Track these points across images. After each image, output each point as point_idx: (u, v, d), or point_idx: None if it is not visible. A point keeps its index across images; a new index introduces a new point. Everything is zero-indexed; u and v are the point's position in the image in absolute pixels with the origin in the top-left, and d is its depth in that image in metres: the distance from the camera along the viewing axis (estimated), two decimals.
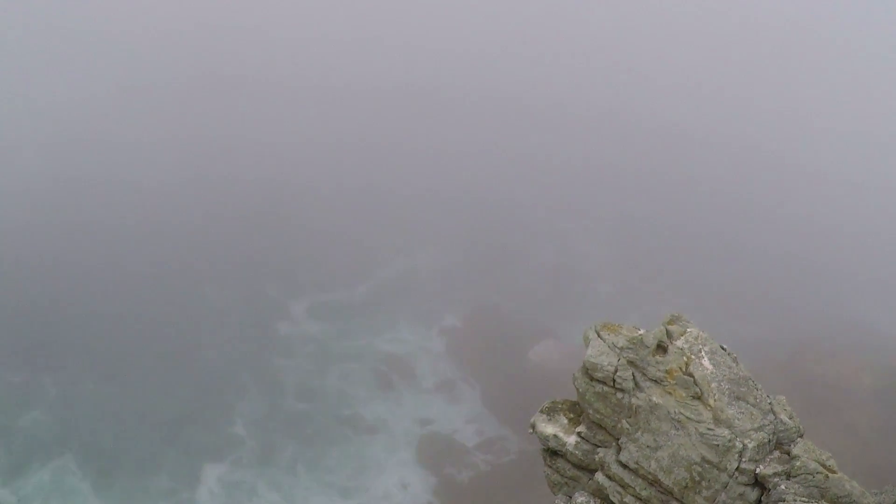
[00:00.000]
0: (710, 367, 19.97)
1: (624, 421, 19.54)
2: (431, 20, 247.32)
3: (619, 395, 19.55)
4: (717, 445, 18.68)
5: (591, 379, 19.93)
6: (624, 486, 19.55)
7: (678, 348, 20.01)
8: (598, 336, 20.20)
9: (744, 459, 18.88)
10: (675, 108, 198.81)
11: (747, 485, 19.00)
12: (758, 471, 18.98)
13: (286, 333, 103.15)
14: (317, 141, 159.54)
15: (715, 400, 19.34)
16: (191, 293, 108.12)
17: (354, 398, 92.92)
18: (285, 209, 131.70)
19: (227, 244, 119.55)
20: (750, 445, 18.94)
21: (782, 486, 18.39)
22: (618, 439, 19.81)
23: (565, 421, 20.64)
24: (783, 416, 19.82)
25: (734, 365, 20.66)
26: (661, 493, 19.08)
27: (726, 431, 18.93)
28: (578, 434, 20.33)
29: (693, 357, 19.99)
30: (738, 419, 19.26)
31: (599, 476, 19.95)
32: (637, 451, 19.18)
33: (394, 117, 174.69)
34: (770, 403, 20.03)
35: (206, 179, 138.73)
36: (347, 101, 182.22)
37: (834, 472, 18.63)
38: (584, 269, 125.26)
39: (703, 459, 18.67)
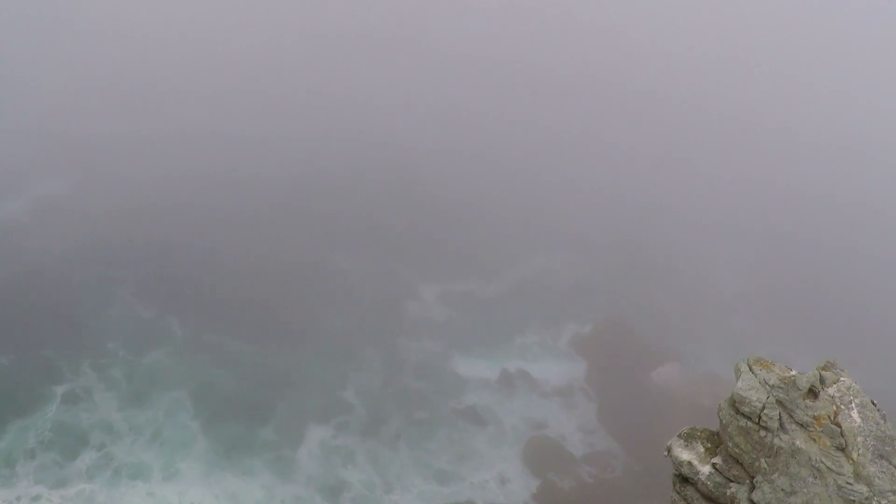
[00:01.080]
0: (859, 420, 19.87)
1: (763, 460, 19.76)
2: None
3: (763, 433, 19.79)
4: (854, 501, 18.65)
5: (737, 412, 20.23)
6: None
7: (829, 396, 20.02)
8: (750, 370, 20.44)
9: None
10: (844, 122, 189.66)
11: None
12: None
13: (414, 315, 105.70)
14: (478, 126, 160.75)
15: (858, 454, 19.26)
16: (327, 263, 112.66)
17: (469, 388, 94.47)
18: (430, 192, 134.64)
19: (368, 221, 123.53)
20: None
21: None
22: (753, 477, 20.05)
23: (702, 450, 21.02)
24: None
25: (882, 422, 20.44)
26: None
27: (865, 489, 18.86)
28: (713, 465, 20.68)
29: (842, 407, 19.95)
30: (879, 478, 19.11)
31: None
32: (771, 493, 19.38)
33: (566, 109, 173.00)
34: None
35: (358, 158, 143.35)
36: (520, 85, 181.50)
37: None
38: (720, 297, 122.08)
39: None
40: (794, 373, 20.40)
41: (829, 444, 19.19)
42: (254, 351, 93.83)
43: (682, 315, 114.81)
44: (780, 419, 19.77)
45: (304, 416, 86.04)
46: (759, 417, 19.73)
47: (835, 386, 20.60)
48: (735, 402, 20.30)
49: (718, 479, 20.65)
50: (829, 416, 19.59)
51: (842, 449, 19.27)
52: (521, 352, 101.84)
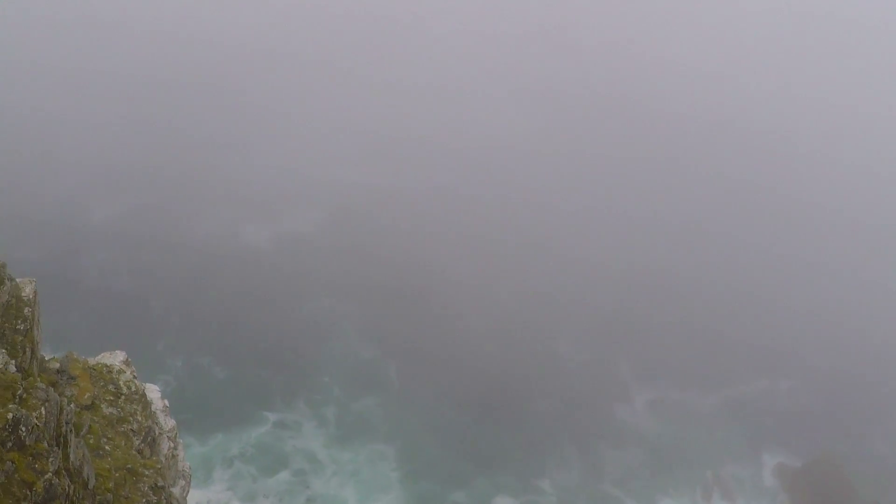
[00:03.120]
0: None
1: None
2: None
3: None
4: None
5: None
6: None
7: None
8: None
9: None
10: None
11: None
12: None
13: (621, 419, 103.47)
14: (723, 244, 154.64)
15: None
16: (549, 343, 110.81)
17: None
18: (665, 291, 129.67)
19: (588, 304, 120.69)
20: None
21: None
22: None
23: None
24: None
25: None
26: None
27: None
28: None
29: None
30: None
31: None
32: None
33: (803, 236, 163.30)
34: None
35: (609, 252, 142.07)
36: (767, 211, 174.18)
37: None
38: None
39: None
40: None
41: None
42: (459, 418, 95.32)
43: None
44: None
45: (496, 491, 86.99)
46: None
47: None
48: None
49: None
50: None
51: None
52: (724, 475, 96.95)
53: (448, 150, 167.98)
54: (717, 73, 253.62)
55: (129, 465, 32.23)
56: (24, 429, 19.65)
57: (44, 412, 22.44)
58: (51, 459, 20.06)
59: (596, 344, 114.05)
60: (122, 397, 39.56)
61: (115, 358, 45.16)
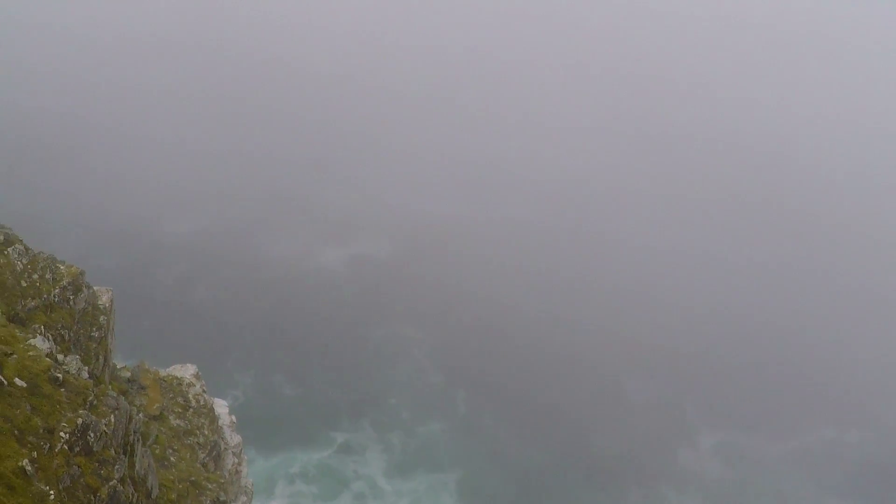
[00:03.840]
0: None
1: None
2: None
3: None
4: None
5: None
6: None
7: None
8: None
9: None
10: None
11: None
12: None
13: (684, 463, 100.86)
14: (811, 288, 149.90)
15: None
16: (612, 384, 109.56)
17: None
18: (738, 331, 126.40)
19: (658, 344, 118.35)
20: None
21: None
22: None
23: None
24: None
25: None
26: None
27: None
28: None
29: None
30: None
31: None
32: None
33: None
34: None
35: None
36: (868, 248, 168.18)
37: None
38: None
39: None
40: None
41: None
42: (522, 450, 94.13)
43: None
44: None
45: None
46: None
47: None
48: None
49: None
50: None
51: None
52: None
53: (527, 182, 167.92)
54: (807, 115, 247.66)
55: (193, 478, 32.88)
56: (92, 435, 20.21)
57: (113, 420, 23.05)
58: (116, 467, 20.56)
59: (664, 384, 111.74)
60: (191, 410, 40.47)
61: (186, 371, 46.30)
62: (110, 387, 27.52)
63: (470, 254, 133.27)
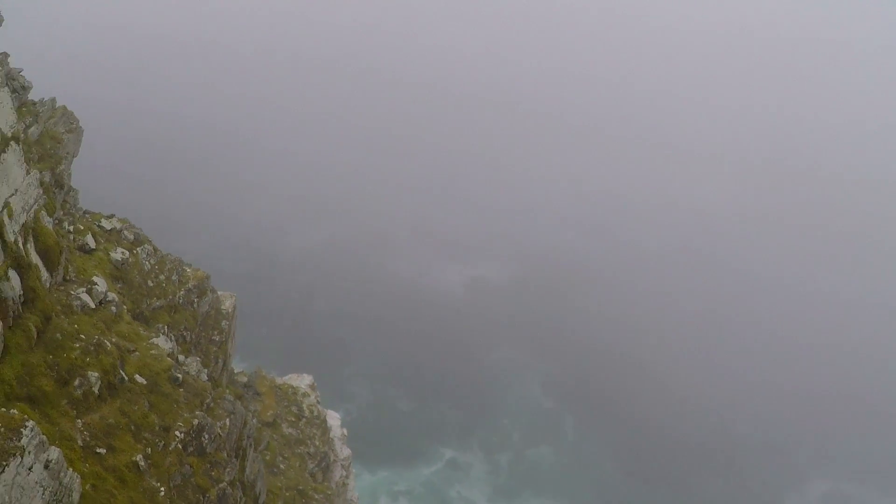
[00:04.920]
0: None
1: None
2: None
3: None
4: None
5: None
6: None
7: None
8: None
9: None
10: None
11: None
12: None
13: None
14: None
15: None
16: (722, 422, 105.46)
17: None
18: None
19: (773, 384, 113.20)
20: None
21: None
22: None
23: None
24: None
25: None
26: None
27: None
28: None
29: None
30: None
31: None
32: None
33: None
34: None
35: None
36: None
37: None
38: None
39: None
40: None
41: None
42: (627, 480, 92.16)
43: None
44: None
45: None
46: None
47: None
48: None
49: None
50: None
51: None
52: None
53: (650, 210, 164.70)
54: None
55: (301, 487, 33.38)
56: (206, 436, 20.74)
57: (228, 423, 23.62)
58: (227, 469, 21.01)
59: (777, 426, 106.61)
60: (304, 420, 41.22)
61: (302, 381, 47.28)
62: (227, 390, 28.28)
63: (588, 283, 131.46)
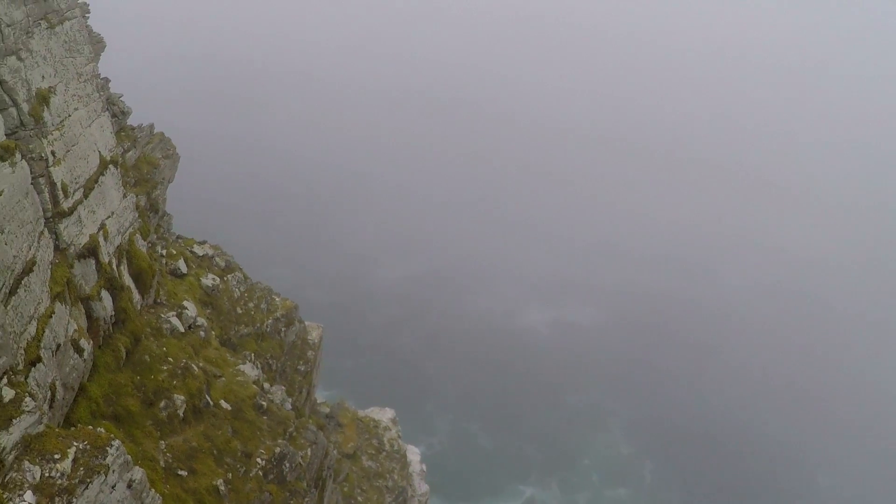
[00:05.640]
0: None
1: None
2: None
3: None
4: None
5: None
6: None
7: None
8: None
9: None
10: None
11: None
12: None
13: None
14: None
15: None
16: (803, 474, 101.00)
17: None
18: None
19: (865, 433, 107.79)
20: None
21: None
22: None
23: None
24: None
25: None
26: None
27: None
28: None
29: None
30: None
31: None
32: None
33: None
34: None
35: None
36: None
37: None
38: None
39: None
40: None
41: None
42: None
43: None
44: None
45: None
46: None
47: None
48: None
49: None
50: None
51: None
52: None
53: (747, 255, 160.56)
54: None
55: None
56: (287, 465, 20.77)
57: (309, 453, 23.66)
58: (306, 499, 20.98)
59: (862, 475, 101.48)
60: (384, 453, 41.08)
61: (384, 414, 47.23)
62: (310, 420, 28.38)
63: (676, 332, 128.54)
